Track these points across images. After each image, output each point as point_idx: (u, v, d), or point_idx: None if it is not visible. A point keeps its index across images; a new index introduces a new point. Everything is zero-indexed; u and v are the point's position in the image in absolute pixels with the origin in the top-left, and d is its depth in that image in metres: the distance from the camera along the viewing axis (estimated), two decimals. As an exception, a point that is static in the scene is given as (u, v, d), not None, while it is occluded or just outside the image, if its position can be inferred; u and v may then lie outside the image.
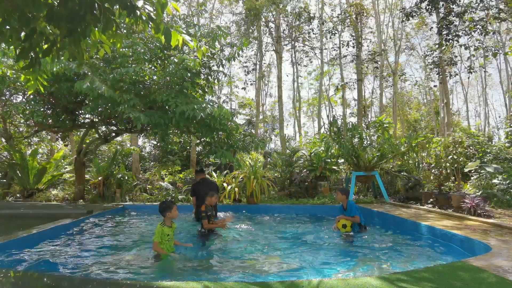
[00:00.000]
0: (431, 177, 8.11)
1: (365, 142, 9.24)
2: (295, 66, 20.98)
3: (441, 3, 10.55)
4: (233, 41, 8.57)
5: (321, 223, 6.26)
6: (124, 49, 6.67)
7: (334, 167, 9.79)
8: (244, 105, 28.37)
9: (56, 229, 4.91)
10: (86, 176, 10.02)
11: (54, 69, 5.78)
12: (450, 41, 10.07)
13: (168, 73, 6.59)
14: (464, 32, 10.12)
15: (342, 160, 10.08)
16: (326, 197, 8.67)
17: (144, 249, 4.18)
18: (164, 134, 8.86)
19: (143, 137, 15.56)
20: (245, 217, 7.20)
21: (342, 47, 15.81)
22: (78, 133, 13.10)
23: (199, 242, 4.57)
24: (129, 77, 6.43)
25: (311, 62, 22.05)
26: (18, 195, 9.72)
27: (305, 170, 9.79)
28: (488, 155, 9.42)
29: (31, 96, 7.94)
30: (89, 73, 5.99)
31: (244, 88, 18.08)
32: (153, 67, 7.56)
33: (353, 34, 14.78)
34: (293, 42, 17.66)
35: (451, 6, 10.18)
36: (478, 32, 9.92)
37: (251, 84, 19.17)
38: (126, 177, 9.79)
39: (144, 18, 2.29)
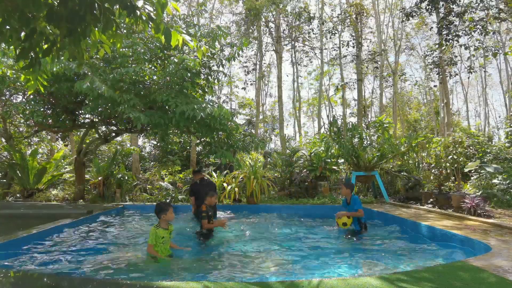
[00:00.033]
0: (431, 177, 8.11)
1: (365, 142, 9.25)
2: (295, 66, 20.99)
3: (441, 3, 10.55)
4: (233, 41, 8.57)
5: (321, 223, 6.26)
6: (124, 49, 6.68)
7: (334, 167, 9.79)
8: (244, 105, 28.35)
9: (56, 229, 4.91)
10: (86, 176, 10.02)
11: (54, 69, 5.79)
12: (450, 41, 10.07)
13: (168, 73, 6.60)
14: (464, 32, 10.12)
15: (342, 160, 10.09)
16: (326, 197, 8.66)
17: (144, 249, 4.17)
18: (164, 134, 8.87)
19: (143, 137, 15.56)
20: (245, 217, 7.20)
21: (342, 47, 15.83)
22: (78, 133, 13.11)
23: (199, 242, 4.57)
24: (129, 77, 6.43)
25: (311, 62, 22.10)
26: (18, 195, 9.72)
27: (305, 170, 9.79)
28: (488, 155, 9.42)
29: (31, 96, 7.94)
30: (89, 73, 6.00)
31: (244, 88, 18.09)
32: (153, 67, 7.56)
33: (353, 34, 14.79)
34: (293, 42, 17.66)
35: (451, 6, 10.18)
36: (478, 32, 9.92)
37: (251, 84, 19.17)
38: (126, 177, 9.79)
39: (144, 18, 2.30)
